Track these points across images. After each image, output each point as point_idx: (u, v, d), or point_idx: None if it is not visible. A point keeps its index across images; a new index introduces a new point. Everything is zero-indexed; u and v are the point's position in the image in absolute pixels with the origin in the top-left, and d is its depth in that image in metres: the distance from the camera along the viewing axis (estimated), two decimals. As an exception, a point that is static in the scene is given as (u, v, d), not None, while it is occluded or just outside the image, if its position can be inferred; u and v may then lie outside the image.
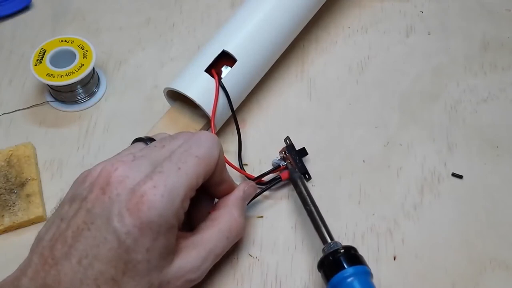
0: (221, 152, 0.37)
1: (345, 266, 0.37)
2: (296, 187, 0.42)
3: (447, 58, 0.53)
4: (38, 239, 0.34)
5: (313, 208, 0.41)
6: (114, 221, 0.32)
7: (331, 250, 0.38)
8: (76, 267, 0.32)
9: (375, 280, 0.37)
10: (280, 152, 0.45)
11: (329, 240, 0.39)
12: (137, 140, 0.40)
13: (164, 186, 0.33)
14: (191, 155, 0.35)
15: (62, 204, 0.35)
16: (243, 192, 0.41)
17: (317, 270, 0.39)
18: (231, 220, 0.39)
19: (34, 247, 0.34)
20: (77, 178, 0.36)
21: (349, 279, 0.36)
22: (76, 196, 0.34)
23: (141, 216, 0.32)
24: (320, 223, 0.40)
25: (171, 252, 0.34)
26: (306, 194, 0.42)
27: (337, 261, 0.37)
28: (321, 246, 0.39)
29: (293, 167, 0.44)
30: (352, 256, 0.38)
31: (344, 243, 0.38)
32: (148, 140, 0.39)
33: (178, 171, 0.34)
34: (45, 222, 0.39)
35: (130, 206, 0.32)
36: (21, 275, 0.33)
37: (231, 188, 0.41)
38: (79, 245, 0.32)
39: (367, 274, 0.37)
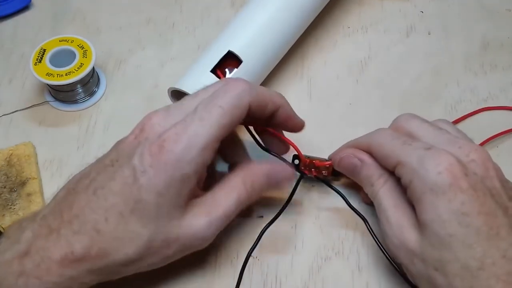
0: (254, 96, 0.36)
1: None
2: None
3: (447, 58, 0.53)
4: (72, 177, 0.37)
5: None
6: (134, 159, 0.34)
7: None
8: (91, 197, 0.34)
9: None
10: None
11: None
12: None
13: (185, 134, 0.34)
14: (215, 105, 0.35)
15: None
16: (272, 171, 0.39)
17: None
18: (241, 190, 0.37)
19: (65, 184, 0.37)
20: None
21: None
22: (117, 144, 0.37)
23: (159, 158, 0.33)
24: None
25: (182, 204, 0.35)
26: None
27: None
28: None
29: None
30: None
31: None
32: None
33: (200, 120, 0.35)
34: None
35: (152, 148, 0.34)
36: (45, 208, 0.36)
37: (297, 124, 0.41)
38: (99, 177, 0.35)
39: None
